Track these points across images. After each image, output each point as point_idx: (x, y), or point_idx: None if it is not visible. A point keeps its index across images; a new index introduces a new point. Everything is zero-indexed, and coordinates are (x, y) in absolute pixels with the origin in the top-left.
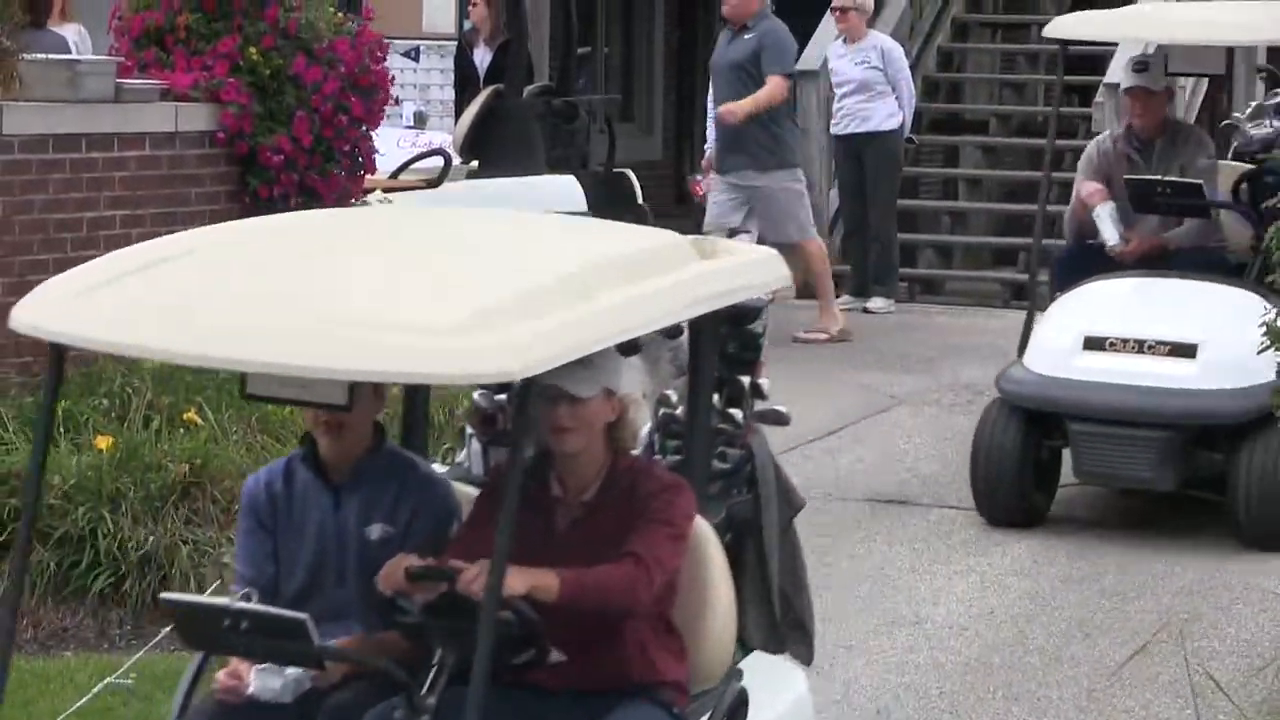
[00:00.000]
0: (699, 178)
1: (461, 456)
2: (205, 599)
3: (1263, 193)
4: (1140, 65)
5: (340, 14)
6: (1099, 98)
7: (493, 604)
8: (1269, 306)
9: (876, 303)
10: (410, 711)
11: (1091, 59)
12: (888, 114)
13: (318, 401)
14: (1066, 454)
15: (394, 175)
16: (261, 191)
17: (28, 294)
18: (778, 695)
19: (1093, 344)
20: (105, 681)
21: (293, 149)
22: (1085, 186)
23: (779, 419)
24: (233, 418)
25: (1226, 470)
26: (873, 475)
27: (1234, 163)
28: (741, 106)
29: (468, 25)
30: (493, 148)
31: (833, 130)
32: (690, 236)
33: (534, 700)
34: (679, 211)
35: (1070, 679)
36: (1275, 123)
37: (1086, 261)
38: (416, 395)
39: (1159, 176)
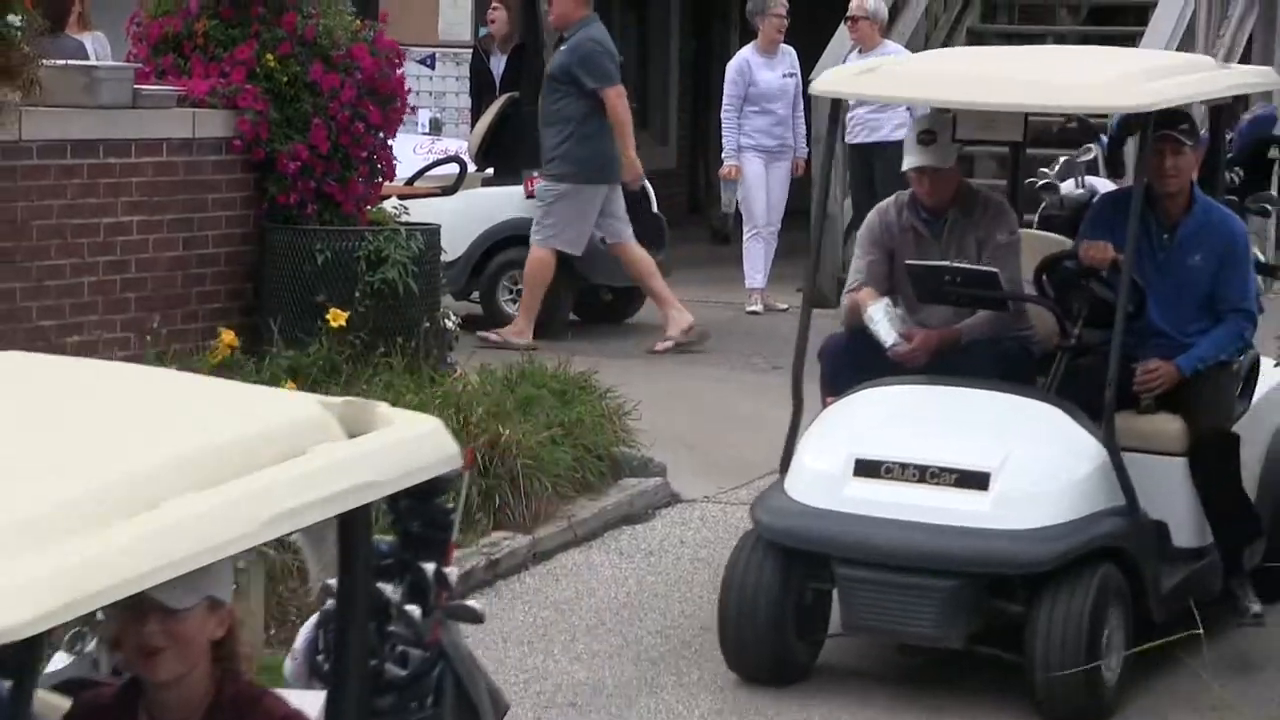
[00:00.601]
0: (535, 174)
1: (92, 645)
2: None
3: (1068, 280)
4: (926, 137)
5: (358, 21)
6: None
7: None
8: (1074, 422)
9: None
10: None
11: None
12: (897, 124)
13: None
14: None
15: (409, 182)
16: (279, 199)
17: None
18: None
19: (865, 469)
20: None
21: (310, 156)
22: (859, 293)
23: (472, 616)
24: None
25: (1024, 626)
26: None
27: (1041, 232)
28: (634, 163)
29: (483, 32)
30: (508, 155)
31: (846, 140)
32: (346, 402)
33: None
34: (692, 220)
35: None
36: (1089, 180)
37: (863, 356)
38: None
39: (945, 262)
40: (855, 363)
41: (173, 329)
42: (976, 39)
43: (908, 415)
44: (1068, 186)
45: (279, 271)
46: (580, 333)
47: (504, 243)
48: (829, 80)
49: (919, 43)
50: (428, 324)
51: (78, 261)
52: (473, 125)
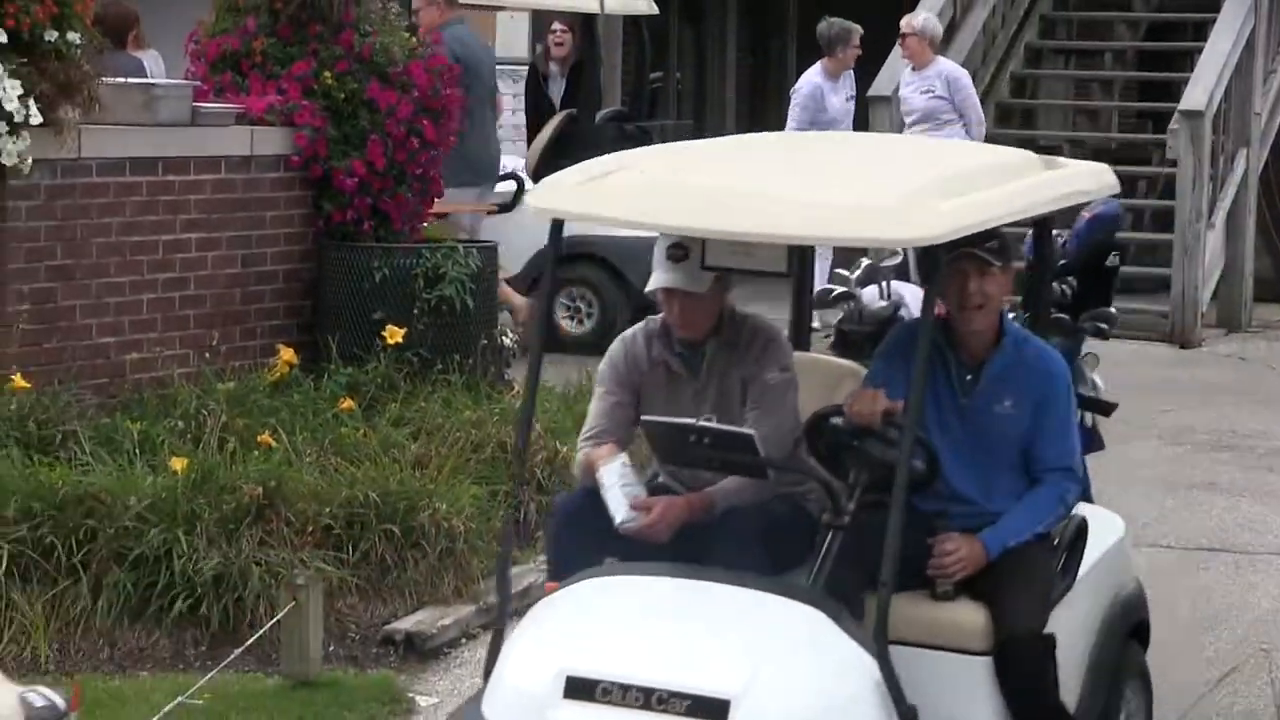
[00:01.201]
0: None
1: None
2: None
3: (840, 441)
4: (677, 253)
5: (414, 38)
6: (1174, 124)
7: None
8: (839, 629)
9: None
10: None
11: (1165, 85)
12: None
13: None
14: None
15: None
16: (335, 216)
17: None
18: None
19: (578, 689)
20: (177, 700)
21: (366, 172)
22: (594, 449)
23: None
24: (306, 440)
25: None
26: None
27: (827, 357)
28: None
29: (538, 50)
30: None
31: None
32: None
33: None
34: None
35: None
36: (896, 287)
37: (603, 524)
38: None
39: (690, 420)
40: (592, 532)
41: (231, 346)
42: (1034, 55)
43: (636, 618)
44: (870, 294)
45: (337, 289)
46: None
47: (561, 260)
48: (546, 195)
49: (976, 59)
50: (485, 341)
51: (137, 279)
52: (529, 143)
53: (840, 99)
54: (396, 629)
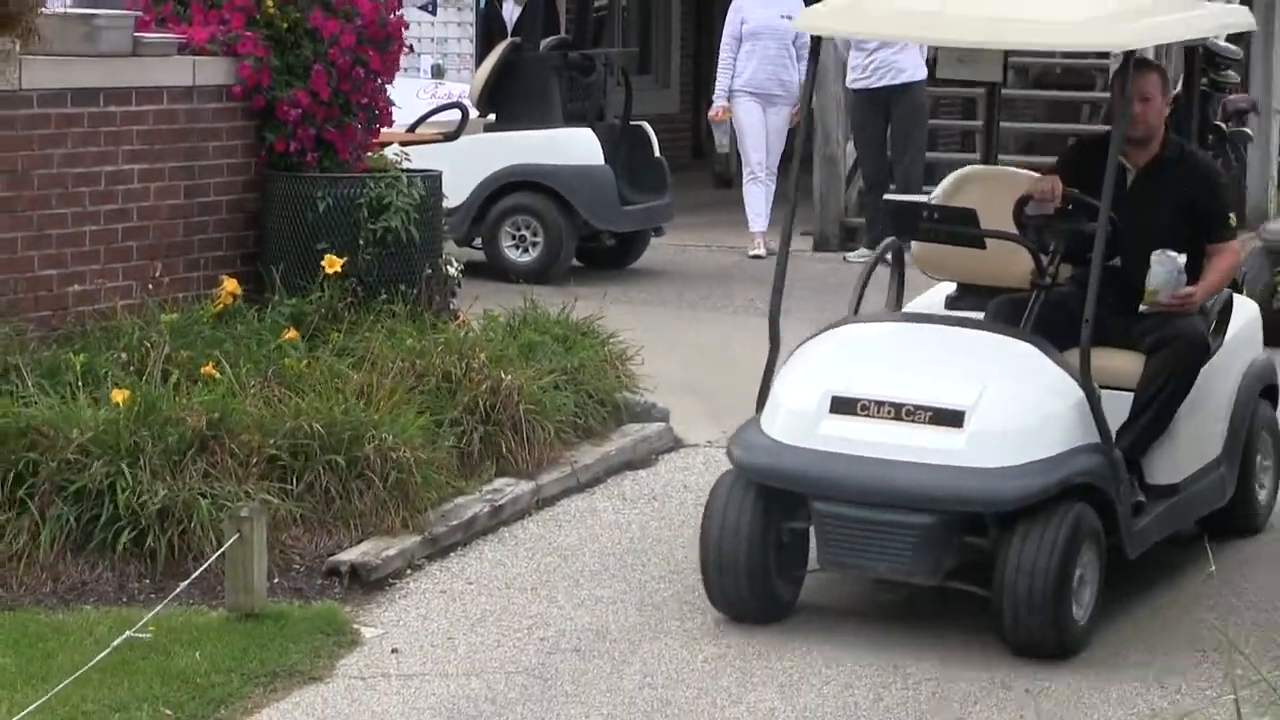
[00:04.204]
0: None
1: None
2: None
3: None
4: None
5: None
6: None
7: None
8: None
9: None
10: None
11: None
12: (916, 65)
13: None
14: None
15: (411, 128)
16: (278, 145)
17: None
18: None
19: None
20: (125, 635)
21: (310, 103)
22: None
23: None
24: (250, 371)
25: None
26: None
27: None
28: None
29: None
30: (510, 101)
31: (862, 85)
32: None
33: None
34: (695, 164)
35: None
36: None
37: None
38: None
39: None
40: None
41: (175, 277)
42: None
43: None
44: None
45: (280, 219)
46: (583, 278)
47: (506, 189)
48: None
49: None
50: (430, 271)
51: (79, 210)
52: (476, 70)
53: (772, 13)
54: (341, 560)
